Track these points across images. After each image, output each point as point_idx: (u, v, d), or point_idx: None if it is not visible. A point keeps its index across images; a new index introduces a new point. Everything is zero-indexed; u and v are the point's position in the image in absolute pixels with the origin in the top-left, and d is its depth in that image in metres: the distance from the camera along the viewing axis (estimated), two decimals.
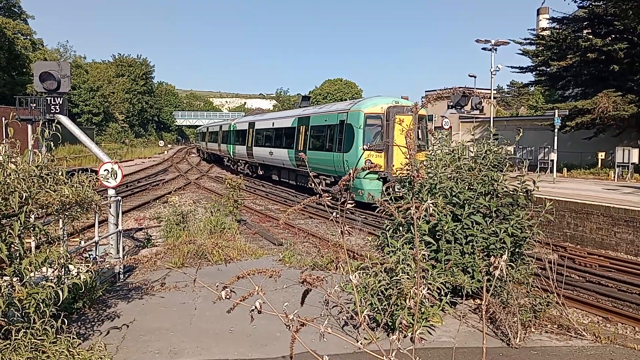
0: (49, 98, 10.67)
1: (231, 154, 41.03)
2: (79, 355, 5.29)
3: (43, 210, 5.89)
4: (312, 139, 24.99)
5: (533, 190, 8.06)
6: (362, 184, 18.96)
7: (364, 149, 16.25)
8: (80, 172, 6.54)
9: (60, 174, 5.95)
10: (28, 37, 65.96)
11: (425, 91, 61.73)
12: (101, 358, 5.45)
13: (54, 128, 6.32)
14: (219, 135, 47.65)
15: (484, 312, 2.83)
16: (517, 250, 7.81)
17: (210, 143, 54.10)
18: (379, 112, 19.67)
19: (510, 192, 8.06)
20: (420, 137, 20.00)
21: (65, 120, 10.67)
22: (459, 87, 33.88)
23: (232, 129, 41.45)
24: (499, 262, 2.72)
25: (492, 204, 7.82)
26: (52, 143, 6.26)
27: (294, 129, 26.97)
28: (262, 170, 33.75)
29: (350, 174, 2.77)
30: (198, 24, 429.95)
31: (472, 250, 7.59)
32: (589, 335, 6.90)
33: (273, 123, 31.18)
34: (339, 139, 21.55)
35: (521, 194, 7.98)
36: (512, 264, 7.64)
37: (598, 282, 10.49)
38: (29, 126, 11.11)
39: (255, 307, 2.48)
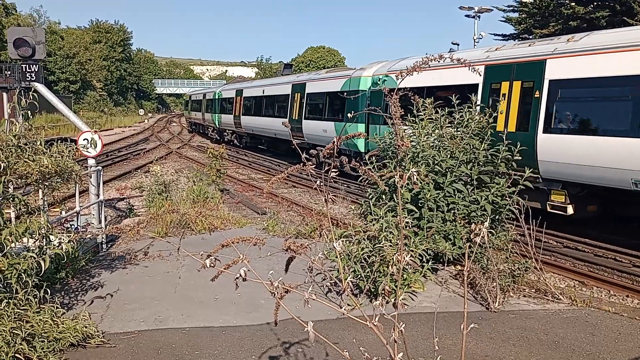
0: (24, 65, 10.39)
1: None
2: (63, 324, 5.29)
3: (22, 181, 5.81)
4: None
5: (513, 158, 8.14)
6: None
7: None
8: (59, 141, 6.45)
9: (38, 143, 5.86)
10: (0, 1, 63.71)
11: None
12: (86, 327, 5.46)
13: (31, 96, 6.18)
14: (302, 104, 23.82)
15: (465, 278, 2.89)
16: (497, 217, 7.94)
17: (265, 119, 27.95)
18: None
19: (491, 161, 8.15)
20: None
21: (42, 88, 10.41)
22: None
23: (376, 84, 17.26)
24: (479, 229, 2.76)
25: (474, 172, 7.91)
26: (29, 112, 6.12)
27: None
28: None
29: (334, 142, 2.71)
30: None
31: (453, 218, 7.70)
32: (566, 299, 7.10)
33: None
34: None
35: (502, 162, 8.07)
36: (492, 230, 7.78)
37: (575, 248, 10.73)
38: (5, 94, 10.83)
39: (240, 275, 2.50)
